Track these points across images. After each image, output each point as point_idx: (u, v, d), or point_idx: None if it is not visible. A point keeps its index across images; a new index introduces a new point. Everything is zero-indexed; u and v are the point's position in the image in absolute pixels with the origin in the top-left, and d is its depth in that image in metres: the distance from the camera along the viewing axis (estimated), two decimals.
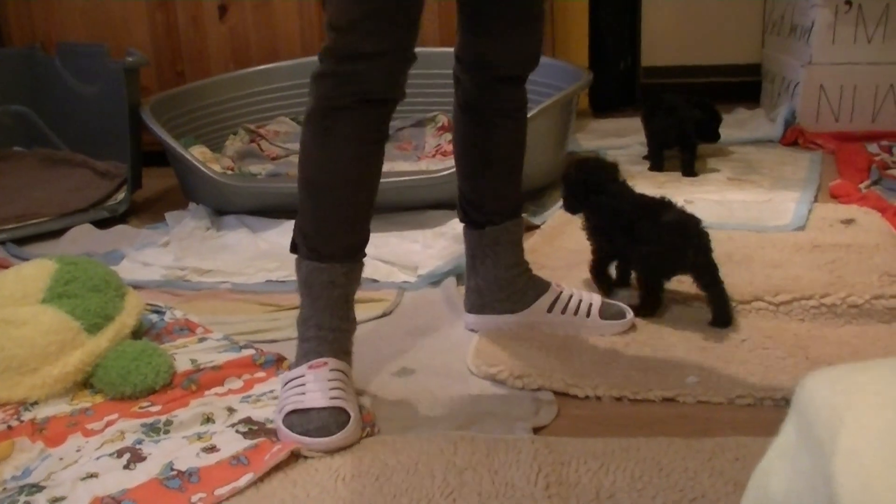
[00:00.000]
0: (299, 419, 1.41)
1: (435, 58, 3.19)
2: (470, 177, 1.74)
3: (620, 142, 3.33)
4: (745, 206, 2.46)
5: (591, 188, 1.85)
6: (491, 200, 1.73)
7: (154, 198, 2.96)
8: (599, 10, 3.85)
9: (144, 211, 2.83)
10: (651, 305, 1.81)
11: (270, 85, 3.24)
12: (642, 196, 1.87)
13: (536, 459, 1.33)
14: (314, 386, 1.46)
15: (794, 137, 3.24)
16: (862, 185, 2.60)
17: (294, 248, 1.58)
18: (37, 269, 1.69)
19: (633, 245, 1.80)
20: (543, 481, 1.28)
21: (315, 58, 1.48)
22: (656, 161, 2.96)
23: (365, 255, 1.58)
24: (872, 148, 3.06)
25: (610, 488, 1.26)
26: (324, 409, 1.42)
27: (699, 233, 1.76)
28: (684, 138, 2.84)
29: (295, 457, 1.36)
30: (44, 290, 1.65)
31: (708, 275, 1.76)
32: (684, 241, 1.75)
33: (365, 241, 1.58)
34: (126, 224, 2.66)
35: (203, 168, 2.51)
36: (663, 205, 1.81)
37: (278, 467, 1.33)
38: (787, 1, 3.58)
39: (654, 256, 1.78)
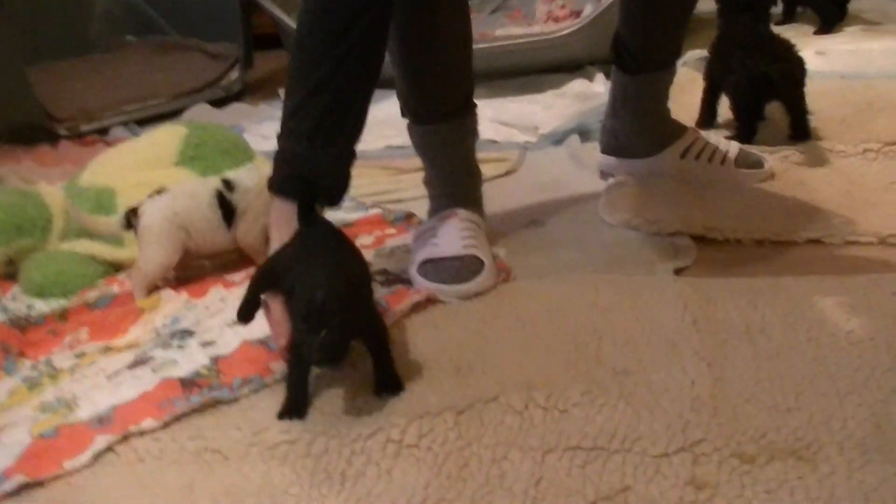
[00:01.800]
0: (434, 268, 1.41)
1: None
2: (632, 21, 1.67)
3: None
4: (884, 54, 2.31)
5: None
6: (649, 48, 1.66)
7: (266, 78, 2.97)
8: None
9: (258, 90, 2.84)
10: (741, 132, 1.81)
11: None
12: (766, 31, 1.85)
13: (681, 297, 1.30)
14: (446, 235, 1.45)
15: None
16: None
17: (403, 112, 1.55)
18: (168, 134, 1.72)
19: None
20: (690, 317, 1.25)
21: None
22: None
23: (474, 105, 1.55)
24: None
25: (760, 323, 1.22)
26: (457, 257, 1.41)
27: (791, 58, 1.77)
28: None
29: (433, 303, 1.36)
30: (176, 153, 1.68)
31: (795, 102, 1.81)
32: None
33: (468, 95, 1.54)
34: (241, 102, 2.68)
35: None
36: (772, 38, 1.81)
37: (418, 311, 1.33)
38: None
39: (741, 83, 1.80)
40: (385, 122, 2.22)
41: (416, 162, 1.86)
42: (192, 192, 1.50)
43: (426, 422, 1.05)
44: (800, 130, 1.84)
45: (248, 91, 2.81)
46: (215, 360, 1.25)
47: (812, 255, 1.43)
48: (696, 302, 1.28)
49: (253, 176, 1.51)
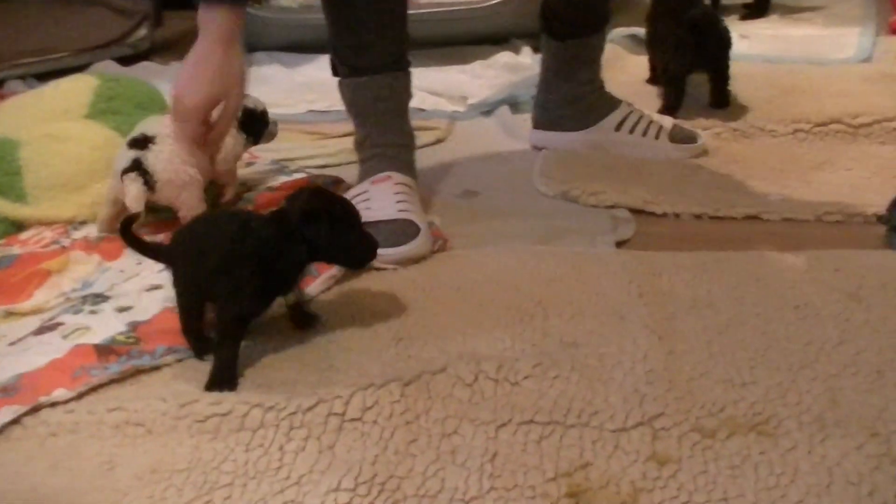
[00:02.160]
0: None
1: None
2: None
3: None
4: (803, 41, 2.34)
5: None
6: (577, 12, 1.63)
7: (175, 38, 2.80)
8: None
9: (167, 50, 2.68)
10: (671, 101, 1.84)
11: None
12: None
13: (626, 270, 1.26)
14: (380, 199, 1.38)
15: None
16: None
17: (335, 71, 1.49)
18: (77, 84, 1.59)
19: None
20: (636, 290, 1.21)
21: None
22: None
23: (409, 64, 1.49)
24: None
25: (707, 297, 1.20)
26: (391, 220, 1.35)
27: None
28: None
29: (368, 270, 1.28)
30: (87, 105, 1.55)
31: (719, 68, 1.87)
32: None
33: (404, 48, 1.48)
34: (150, 62, 2.53)
35: None
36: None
37: (352, 279, 1.26)
38: None
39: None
40: (307, 85, 2.16)
41: (342, 127, 1.80)
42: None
43: (370, 394, 0.98)
44: (721, 98, 1.89)
45: (156, 51, 2.66)
46: (133, 326, 1.16)
47: (750, 231, 1.42)
48: (642, 275, 1.25)
49: None
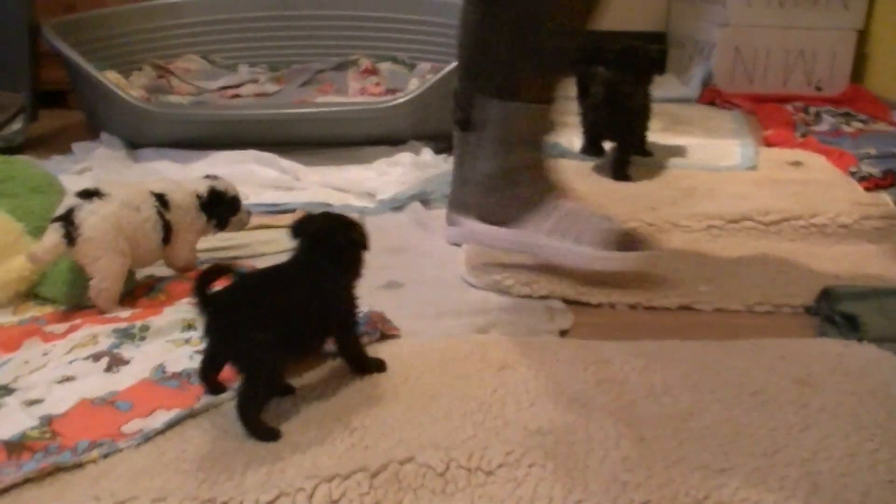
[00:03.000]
0: None
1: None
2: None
3: None
4: (690, 149, 2.42)
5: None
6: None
7: (50, 134, 2.67)
8: None
9: (42, 146, 2.54)
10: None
11: (177, 20, 2.99)
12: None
13: (577, 358, 1.22)
14: (584, 213, 1.52)
15: (711, 97, 3.25)
16: (795, 135, 2.62)
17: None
18: None
19: None
20: (592, 378, 1.17)
21: None
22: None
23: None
24: (787, 108, 3.10)
25: (663, 385, 1.16)
26: (616, 229, 1.48)
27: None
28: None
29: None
30: None
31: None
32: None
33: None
34: (25, 155, 2.38)
35: (121, 93, 2.27)
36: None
37: (294, 370, 1.16)
38: None
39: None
40: None
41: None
42: (133, 203, 1.37)
43: (336, 485, 0.89)
44: (621, 171, 2.07)
45: (30, 145, 2.50)
46: (47, 420, 1.02)
47: (685, 321, 1.41)
48: (593, 363, 1.21)
49: (180, 191, 1.44)
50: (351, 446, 1.00)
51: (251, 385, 1.02)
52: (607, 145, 2.23)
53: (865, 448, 1.02)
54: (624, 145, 2.10)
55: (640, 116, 2.16)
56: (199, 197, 1.47)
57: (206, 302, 1.02)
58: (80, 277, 1.34)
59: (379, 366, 1.17)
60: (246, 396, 1.01)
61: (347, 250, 1.13)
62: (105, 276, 1.31)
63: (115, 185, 1.38)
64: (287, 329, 1.03)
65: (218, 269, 1.04)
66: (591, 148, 2.27)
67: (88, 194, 1.33)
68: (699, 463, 0.99)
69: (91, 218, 1.29)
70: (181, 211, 1.44)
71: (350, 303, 1.14)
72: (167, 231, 1.41)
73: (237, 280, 1.07)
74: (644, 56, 2.15)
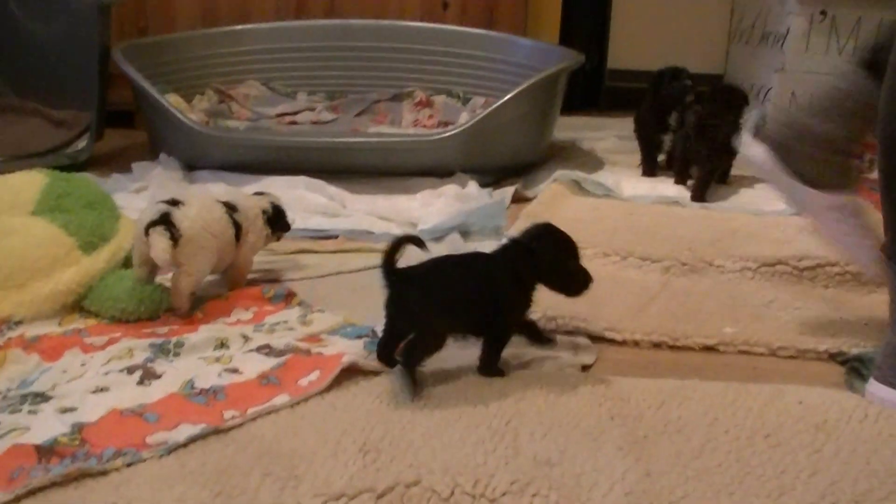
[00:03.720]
0: None
1: (412, 32, 3.14)
2: None
3: (595, 134, 3.29)
4: (738, 192, 2.42)
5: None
6: None
7: (114, 153, 2.78)
8: (571, 8, 3.83)
9: (105, 164, 2.64)
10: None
11: (241, 47, 3.09)
12: None
13: (595, 393, 1.24)
14: None
15: None
16: None
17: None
18: (26, 180, 1.54)
19: None
20: (606, 412, 1.19)
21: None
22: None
23: None
24: None
25: (677, 422, 1.18)
26: None
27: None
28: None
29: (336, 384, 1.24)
30: (34, 201, 1.50)
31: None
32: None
33: None
34: (89, 172, 2.48)
35: (180, 116, 2.36)
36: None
37: (319, 391, 1.21)
38: (758, 9, 3.61)
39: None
40: None
41: (291, 244, 1.79)
42: (206, 205, 1.49)
43: None
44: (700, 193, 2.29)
45: (94, 163, 2.61)
46: (78, 427, 1.08)
47: (708, 361, 1.42)
48: (610, 398, 1.23)
49: (242, 200, 1.59)
50: (363, 467, 1.03)
51: (419, 341, 1.22)
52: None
53: (874, 496, 1.03)
54: (706, 171, 2.34)
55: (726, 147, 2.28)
56: (265, 212, 1.61)
57: (391, 271, 1.21)
58: (135, 290, 1.42)
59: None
60: (413, 348, 1.22)
61: (541, 257, 1.26)
62: (198, 270, 1.45)
63: (188, 195, 1.49)
64: (456, 306, 1.23)
65: (407, 238, 1.24)
66: (680, 175, 2.46)
67: (174, 202, 1.44)
68: (703, 501, 1.00)
69: (186, 220, 1.42)
70: (248, 216, 1.57)
71: (517, 307, 1.28)
72: (238, 231, 1.54)
73: (426, 261, 1.28)
74: (738, 92, 2.42)
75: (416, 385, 1.22)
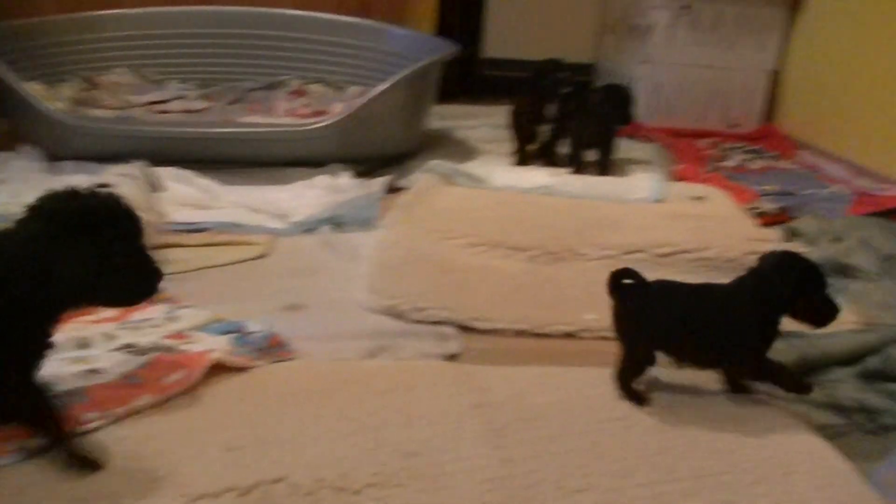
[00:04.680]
0: None
1: (287, 20, 3.12)
2: None
3: (468, 123, 3.33)
4: (605, 182, 2.51)
5: None
6: None
7: None
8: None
9: None
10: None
11: (108, 33, 3.00)
12: None
13: (457, 383, 1.28)
14: None
15: (631, 130, 3.36)
16: (703, 171, 2.72)
17: None
18: None
19: None
20: (468, 401, 1.23)
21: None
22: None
23: None
24: (700, 144, 3.23)
25: (536, 410, 1.23)
26: None
27: None
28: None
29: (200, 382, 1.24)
30: None
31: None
32: None
33: None
34: None
35: (42, 104, 2.29)
36: None
37: (185, 389, 1.21)
38: (627, 1, 3.72)
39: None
40: None
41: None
42: None
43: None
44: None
45: None
46: None
47: (569, 348, 1.48)
48: (473, 388, 1.27)
49: None
50: (228, 465, 1.04)
51: (629, 360, 1.28)
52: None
53: (712, 470, 1.10)
54: (607, 152, 2.57)
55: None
56: None
57: (618, 289, 1.28)
58: None
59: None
60: (624, 368, 1.28)
61: (788, 294, 1.22)
62: None
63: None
64: (672, 332, 1.26)
65: (627, 272, 1.28)
66: (577, 159, 2.58)
67: None
68: (558, 483, 1.05)
69: None
70: None
71: (753, 343, 1.25)
72: None
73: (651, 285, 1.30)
74: (624, 91, 2.58)
75: (640, 398, 1.27)
